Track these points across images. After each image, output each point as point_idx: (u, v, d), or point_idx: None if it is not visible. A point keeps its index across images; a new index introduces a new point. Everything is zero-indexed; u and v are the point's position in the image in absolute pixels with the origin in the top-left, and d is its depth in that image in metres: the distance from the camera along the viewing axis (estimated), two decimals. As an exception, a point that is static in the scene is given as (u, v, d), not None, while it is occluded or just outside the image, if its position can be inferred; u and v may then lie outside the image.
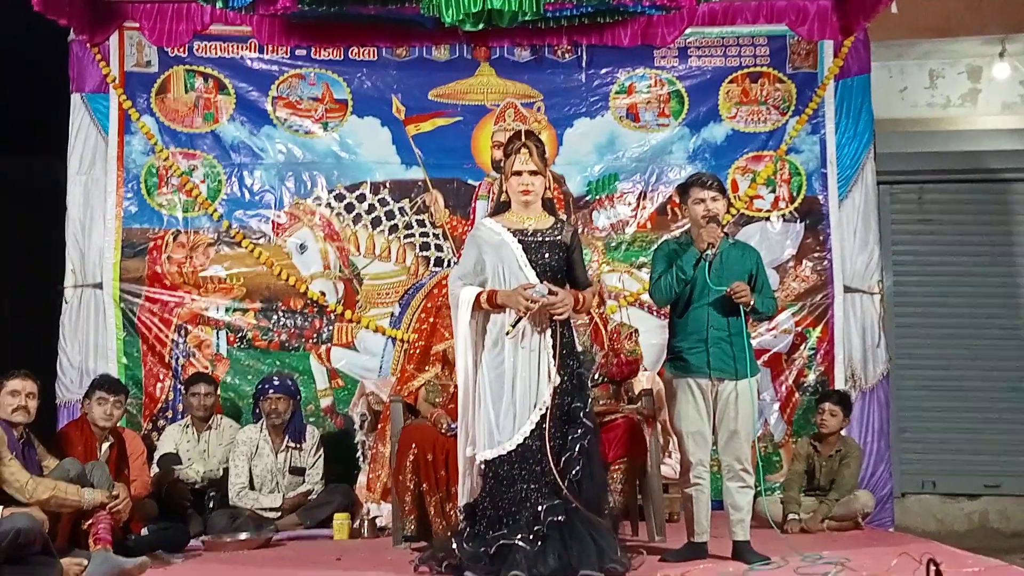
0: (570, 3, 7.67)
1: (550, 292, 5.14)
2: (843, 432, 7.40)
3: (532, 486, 5.10)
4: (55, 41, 8.19)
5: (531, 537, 4.99)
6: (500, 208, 5.50)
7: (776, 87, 8.38)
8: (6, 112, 9.00)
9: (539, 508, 5.06)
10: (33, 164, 9.69)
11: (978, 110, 9.05)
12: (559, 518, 5.05)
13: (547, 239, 5.33)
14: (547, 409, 5.12)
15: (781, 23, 8.30)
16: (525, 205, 5.39)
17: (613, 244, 8.31)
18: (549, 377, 5.15)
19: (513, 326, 5.15)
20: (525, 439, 5.12)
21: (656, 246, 6.33)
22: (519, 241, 5.29)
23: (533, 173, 5.35)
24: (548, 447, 5.07)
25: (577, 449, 5.14)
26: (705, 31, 8.36)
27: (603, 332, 6.90)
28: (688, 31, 8.27)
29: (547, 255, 5.30)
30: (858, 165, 8.18)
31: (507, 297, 5.18)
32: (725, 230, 5.87)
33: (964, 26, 8.74)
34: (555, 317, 5.15)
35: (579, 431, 5.17)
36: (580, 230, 7.95)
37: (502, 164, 5.50)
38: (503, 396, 5.15)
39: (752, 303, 5.62)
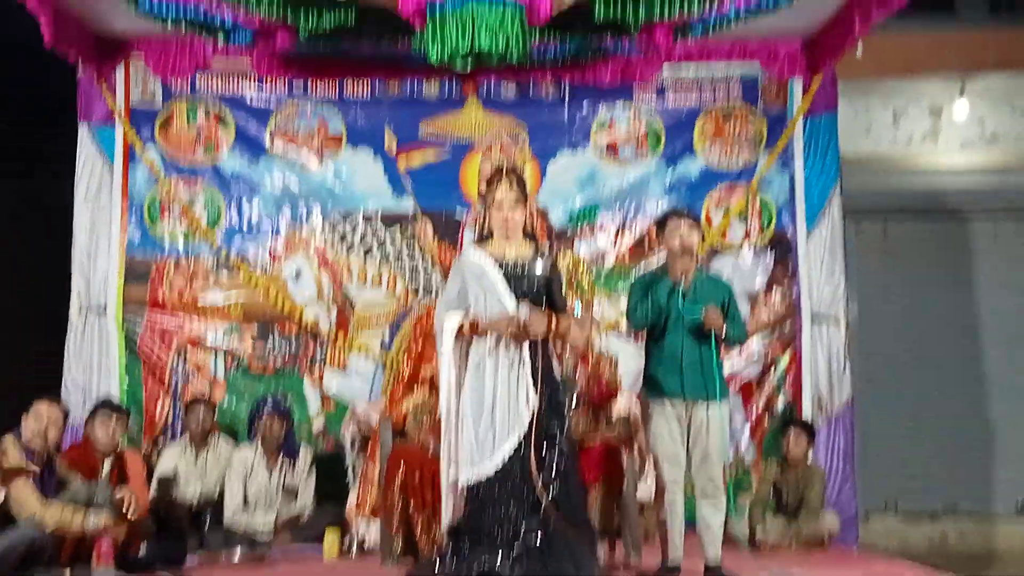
0: (554, 43, 7.63)
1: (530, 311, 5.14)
2: (809, 455, 7.38)
3: (512, 507, 5.08)
4: (65, 72, 8.14)
5: (510, 558, 4.95)
6: (483, 238, 5.48)
7: (748, 124, 8.36)
8: (16, 138, 8.95)
9: (519, 528, 5.03)
10: (42, 188, 9.61)
11: (939, 148, 9.07)
12: (538, 538, 5.01)
13: (527, 268, 5.33)
14: (526, 431, 5.09)
15: (753, 62, 8.30)
16: (506, 235, 5.37)
17: (593, 273, 8.27)
18: (528, 401, 5.13)
19: (496, 346, 5.14)
20: (505, 461, 5.09)
21: (634, 276, 6.30)
22: (500, 270, 5.28)
23: (514, 205, 5.34)
24: (532, 467, 5.03)
25: (553, 471, 5.10)
26: (681, 71, 8.35)
27: (587, 359, 6.88)
28: (665, 71, 8.27)
29: (527, 283, 5.30)
30: (825, 199, 8.16)
31: (489, 324, 5.17)
32: (698, 261, 5.86)
33: (926, 67, 8.77)
34: (530, 333, 5.12)
35: (556, 453, 5.13)
36: (564, 259, 7.99)
37: (485, 195, 5.49)
38: (483, 419, 5.12)
39: (724, 329, 5.60)
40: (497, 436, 5.11)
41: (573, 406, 6.50)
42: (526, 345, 5.19)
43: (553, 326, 5.27)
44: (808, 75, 8.23)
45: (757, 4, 6.78)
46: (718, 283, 5.97)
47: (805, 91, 8.25)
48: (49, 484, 5.78)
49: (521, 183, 5.43)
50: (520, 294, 5.25)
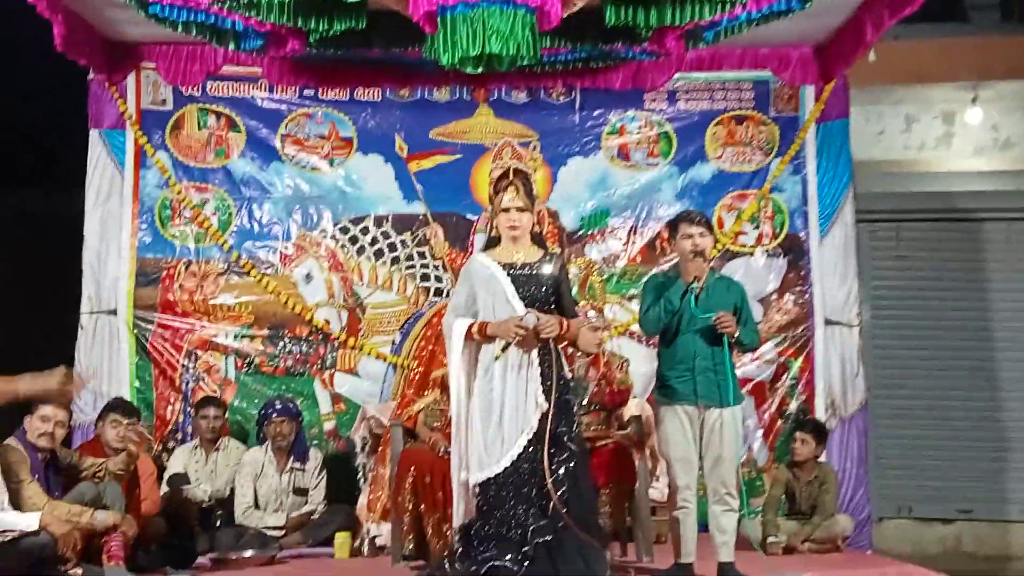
0: (565, 48, 7.61)
1: (538, 318, 5.10)
2: (822, 458, 7.35)
3: (521, 507, 5.04)
4: (75, 79, 8.16)
5: (520, 558, 4.93)
6: (491, 243, 5.45)
7: (760, 129, 8.35)
8: (27, 146, 8.97)
9: (528, 528, 5.00)
10: (51, 196, 9.64)
11: (951, 153, 9.01)
12: (548, 538, 4.99)
13: (535, 272, 5.28)
14: (536, 433, 5.07)
15: (765, 69, 8.29)
16: (513, 240, 5.33)
17: (605, 276, 8.26)
18: (536, 403, 5.10)
19: (503, 350, 5.11)
20: (513, 462, 5.07)
21: (646, 279, 6.28)
22: (508, 274, 5.24)
23: (520, 210, 5.31)
24: (545, 468, 5.01)
25: (563, 472, 5.08)
26: (692, 76, 8.33)
27: (599, 362, 6.87)
28: (676, 76, 8.25)
29: (535, 287, 5.25)
30: (838, 204, 8.15)
31: (497, 327, 5.14)
32: (711, 264, 5.84)
33: (938, 73, 8.75)
34: (542, 336, 5.09)
35: (564, 455, 5.10)
36: (575, 262, 8.01)
37: (492, 199, 5.46)
38: (492, 421, 5.10)
39: (736, 333, 5.58)
40: (506, 438, 5.08)
41: (584, 407, 6.49)
42: (535, 348, 5.17)
43: (563, 330, 5.25)
44: (820, 82, 8.22)
45: (769, 7, 6.75)
46: (731, 285, 5.94)
47: (817, 97, 8.24)
48: (55, 483, 5.80)
49: (528, 187, 5.38)
50: (529, 298, 5.21)
